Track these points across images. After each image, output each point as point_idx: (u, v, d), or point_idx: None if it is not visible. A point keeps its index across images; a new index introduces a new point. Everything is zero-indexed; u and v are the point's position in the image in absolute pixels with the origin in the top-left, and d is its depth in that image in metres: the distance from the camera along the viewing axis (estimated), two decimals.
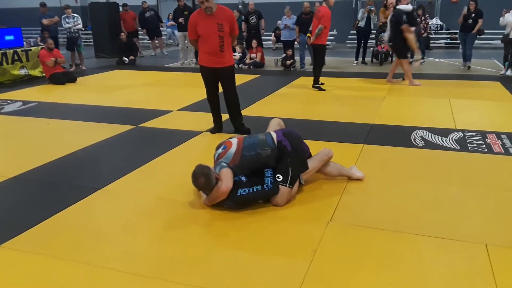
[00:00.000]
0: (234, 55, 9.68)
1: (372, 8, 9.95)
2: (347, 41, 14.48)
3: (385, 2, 9.20)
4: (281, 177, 3.06)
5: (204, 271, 2.37)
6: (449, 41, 13.92)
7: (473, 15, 8.89)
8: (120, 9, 12.66)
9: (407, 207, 3.07)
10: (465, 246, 2.55)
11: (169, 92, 7.72)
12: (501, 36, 8.87)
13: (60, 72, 8.67)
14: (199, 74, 4.79)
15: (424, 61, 10.26)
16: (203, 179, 2.95)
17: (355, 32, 10.81)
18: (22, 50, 9.21)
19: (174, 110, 6.10)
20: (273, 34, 13.58)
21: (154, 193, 3.38)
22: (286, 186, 3.07)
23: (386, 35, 7.99)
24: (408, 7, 7.40)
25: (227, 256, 2.52)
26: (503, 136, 4.58)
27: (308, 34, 7.72)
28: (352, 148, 4.30)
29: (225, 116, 4.97)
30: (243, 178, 3.06)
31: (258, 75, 9.12)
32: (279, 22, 11.66)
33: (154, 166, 3.96)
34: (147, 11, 12.81)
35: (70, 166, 4.05)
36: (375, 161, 3.97)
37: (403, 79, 7.87)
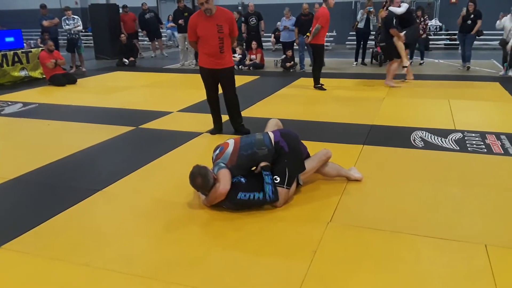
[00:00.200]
0: (234, 57, 9.69)
1: (371, 9, 9.96)
2: (347, 42, 14.49)
3: (384, 3, 9.21)
4: (278, 179, 3.06)
5: (203, 272, 2.37)
6: (448, 42, 13.94)
7: (472, 16, 8.90)
8: (120, 10, 12.67)
9: (407, 207, 3.07)
10: (464, 246, 2.55)
11: (169, 93, 7.73)
12: (500, 37, 8.89)
13: (60, 73, 8.69)
14: (199, 75, 4.79)
15: (423, 62, 10.27)
16: (200, 179, 2.95)
17: (354, 33, 10.83)
18: (22, 52, 9.23)
19: (174, 111, 6.10)
20: (272, 35, 13.60)
21: (153, 195, 3.38)
22: (283, 187, 3.07)
23: None
24: (399, 9, 7.31)
25: (226, 257, 2.52)
26: (502, 136, 4.58)
27: (308, 34, 7.79)
28: (352, 149, 4.30)
29: (225, 117, 4.97)
30: (242, 180, 3.06)
31: (258, 76, 9.13)
32: (278, 23, 11.67)
33: (154, 168, 3.97)
34: (147, 13, 12.82)
35: (70, 167, 4.05)
36: (375, 162, 3.98)
37: (405, 80, 7.85)
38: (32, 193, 3.53)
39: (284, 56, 10.10)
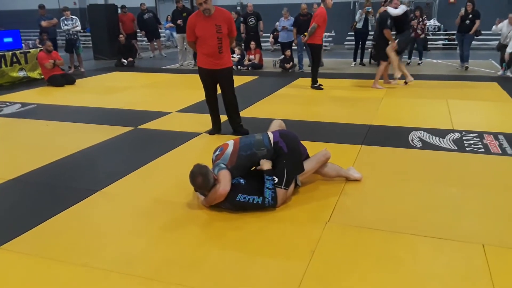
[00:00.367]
0: (233, 57, 9.69)
1: (370, 10, 9.98)
2: (345, 42, 14.50)
3: (383, 3, 9.22)
4: (276, 179, 3.06)
5: (202, 272, 2.37)
6: (446, 42, 13.96)
7: (470, 16, 8.93)
8: (119, 11, 12.66)
9: (405, 207, 3.08)
10: (462, 246, 2.56)
11: (167, 93, 7.73)
12: (498, 38, 8.91)
13: (58, 74, 8.68)
14: (198, 75, 4.80)
15: (421, 62, 10.29)
16: (201, 178, 2.94)
17: (353, 33, 10.85)
18: (20, 52, 9.22)
19: (172, 111, 6.11)
20: (271, 35, 13.61)
21: (152, 195, 3.39)
22: (281, 188, 3.07)
23: None
24: (396, 11, 7.14)
25: (225, 257, 2.53)
26: (500, 136, 4.59)
27: (305, 33, 7.81)
28: (350, 149, 4.31)
29: (223, 118, 4.98)
30: (241, 181, 3.06)
31: (257, 77, 9.14)
32: (277, 23, 11.68)
33: (153, 168, 3.97)
34: (145, 13, 12.82)
35: (69, 168, 4.06)
36: (373, 162, 3.99)
37: (406, 83, 7.80)
38: (31, 193, 3.54)
39: (282, 56, 10.11)
